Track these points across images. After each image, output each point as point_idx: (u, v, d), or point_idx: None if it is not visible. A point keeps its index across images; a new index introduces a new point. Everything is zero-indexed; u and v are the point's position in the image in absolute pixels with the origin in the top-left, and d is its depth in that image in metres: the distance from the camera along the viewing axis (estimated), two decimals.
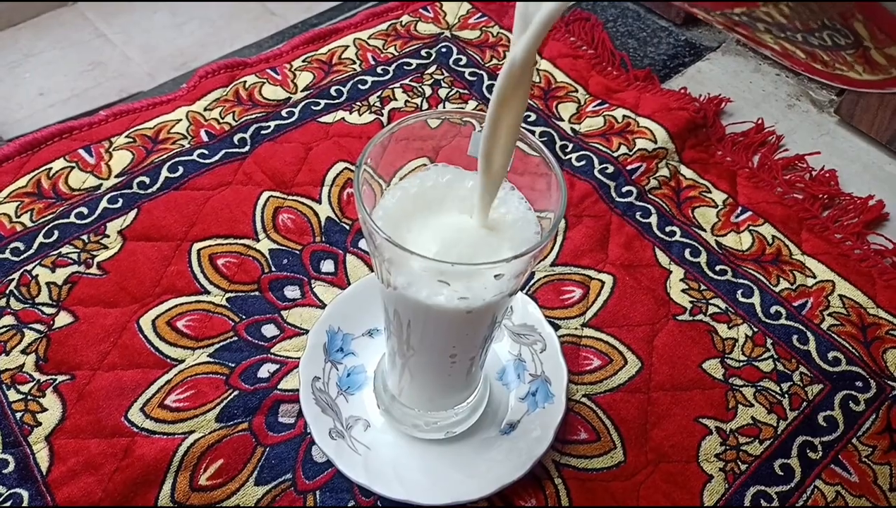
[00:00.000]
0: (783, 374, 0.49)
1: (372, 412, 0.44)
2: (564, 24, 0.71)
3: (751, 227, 0.56)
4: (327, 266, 0.52)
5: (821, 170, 0.61)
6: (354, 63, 0.65)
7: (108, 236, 0.52)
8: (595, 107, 0.63)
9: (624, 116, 0.62)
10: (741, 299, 0.52)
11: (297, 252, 0.52)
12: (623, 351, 0.49)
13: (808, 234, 0.57)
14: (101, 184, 0.54)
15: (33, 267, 0.49)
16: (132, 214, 0.53)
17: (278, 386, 0.45)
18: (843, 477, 0.44)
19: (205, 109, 0.60)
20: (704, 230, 0.56)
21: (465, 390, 0.42)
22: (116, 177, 0.55)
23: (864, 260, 0.55)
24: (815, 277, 0.54)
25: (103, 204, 0.53)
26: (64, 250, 0.50)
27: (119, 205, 0.53)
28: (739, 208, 0.58)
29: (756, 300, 0.52)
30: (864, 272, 0.55)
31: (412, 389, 0.41)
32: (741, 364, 0.49)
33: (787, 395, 0.48)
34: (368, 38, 0.67)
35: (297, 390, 0.45)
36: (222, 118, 0.59)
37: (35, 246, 0.50)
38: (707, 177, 0.59)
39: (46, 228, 0.51)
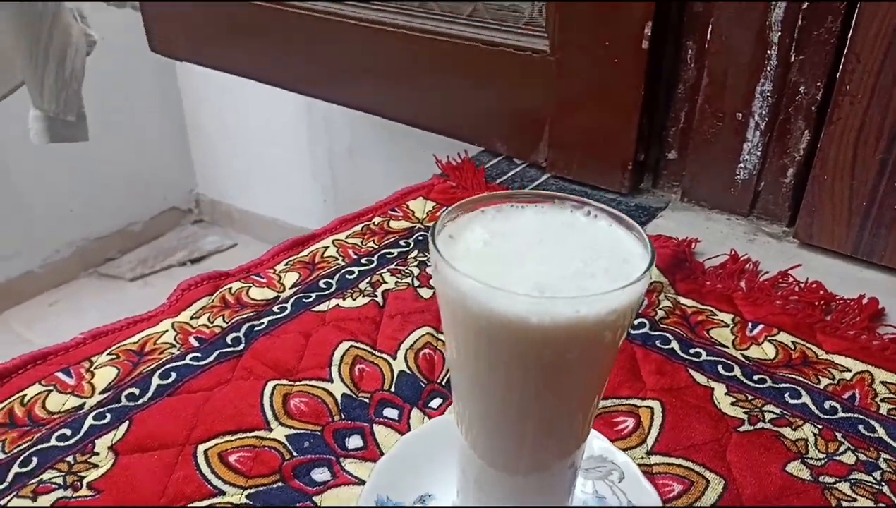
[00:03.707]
0: (869, 464, 0.45)
1: None
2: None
3: (768, 338, 0.56)
4: (354, 441, 0.46)
5: (807, 282, 0.63)
6: (338, 259, 0.65)
7: (97, 454, 0.45)
8: None
9: None
10: (791, 401, 0.50)
11: (318, 433, 0.46)
12: (700, 471, 0.44)
13: (823, 336, 0.56)
14: (84, 404, 0.48)
15: (8, 501, 0.41)
16: (123, 427, 0.46)
17: None
18: None
19: (191, 318, 0.56)
20: (727, 347, 0.55)
21: (560, 498, 0.36)
22: (101, 393, 0.49)
23: (885, 349, 0.55)
24: (850, 370, 0.53)
25: (89, 421, 0.47)
26: (46, 476, 0.43)
27: (107, 420, 0.47)
28: (749, 324, 0.57)
29: (807, 399, 0.50)
30: (892, 359, 0.54)
31: (492, 500, 0.35)
32: (823, 461, 0.45)
33: (884, 483, 0.44)
34: (346, 238, 0.68)
35: None
36: (212, 322, 0.56)
37: (9, 477, 0.43)
38: (707, 303, 0.60)
39: (22, 457, 0.44)
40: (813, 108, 0.66)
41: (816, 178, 0.66)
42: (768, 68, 0.67)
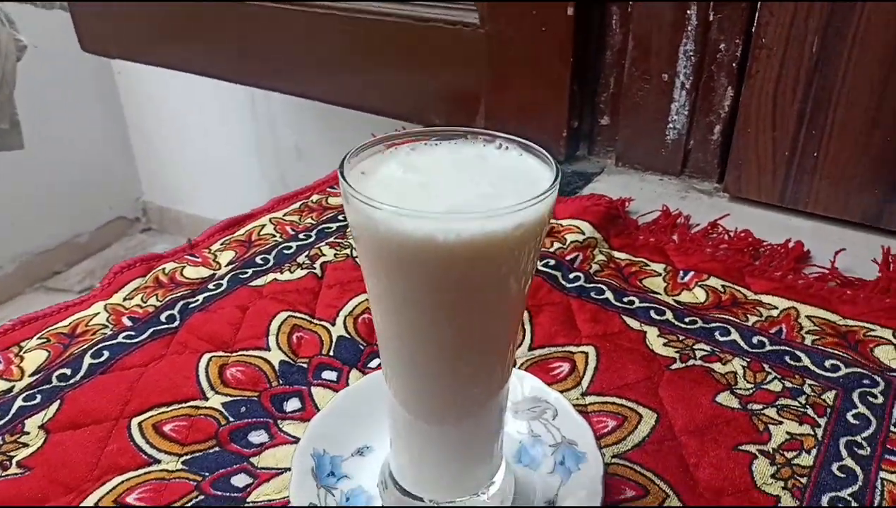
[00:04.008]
0: (795, 390, 0.47)
1: None
2: None
3: (699, 283, 0.57)
4: (293, 404, 0.46)
5: (737, 231, 0.64)
6: (275, 236, 0.64)
7: (27, 433, 0.43)
8: None
9: None
10: (721, 338, 0.51)
11: (255, 398, 0.46)
12: (633, 407, 0.45)
13: (751, 279, 0.58)
14: (13, 387, 0.47)
15: None
16: (54, 406, 0.45)
17: None
18: None
19: (124, 299, 0.56)
20: (659, 294, 0.56)
21: (485, 449, 0.36)
22: (31, 375, 0.48)
23: (810, 287, 0.57)
24: (777, 308, 0.54)
25: (18, 403, 0.46)
26: None
27: (38, 400, 0.46)
28: (681, 272, 0.59)
29: (736, 336, 0.51)
30: (817, 295, 0.56)
31: (423, 451, 0.35)
32: (750, 390, 0.47)
33: (808, 406, 0.45)
34: (284, 216, 0.68)
35: None
36: (145, 302, 0.55)
37: None
38: (640, 256, 0.61)
39: None
40: (734, 65, 0.68)
41: (741, 132, 0.68)
42: (689, 28, 0.69)
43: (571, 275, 0.58)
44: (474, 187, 0.30)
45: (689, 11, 0.68)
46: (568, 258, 0.59)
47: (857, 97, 0.61)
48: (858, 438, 0.43)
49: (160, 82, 1.80)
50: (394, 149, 0.33)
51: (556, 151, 0.79)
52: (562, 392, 0.46)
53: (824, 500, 0.39)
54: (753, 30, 0.65)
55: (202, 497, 0.39)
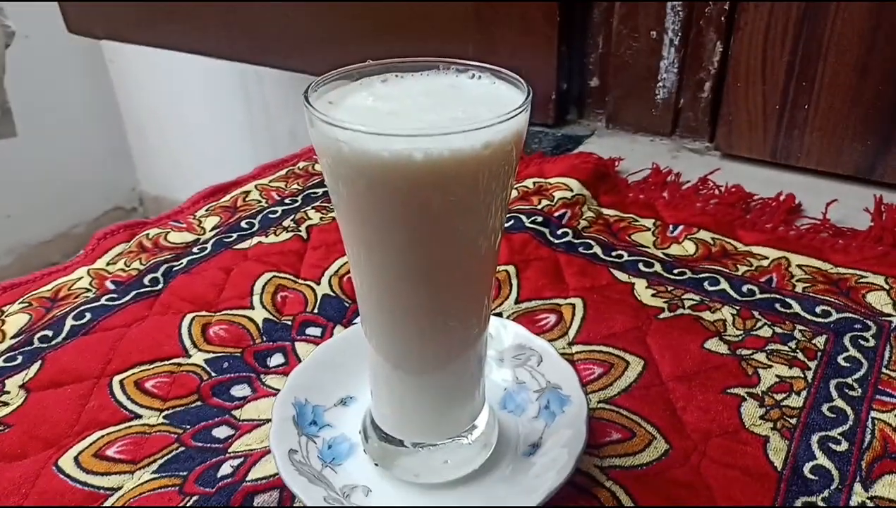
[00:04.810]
0: (785, 335, 0.46)
1: (370, 476, 0.36)
2: None
3: (689, 237, 0.57)
4: (276, 359, 0.45)
5: (727, 186, 0.64)
6: (260, 201, 0.64)
7: (7, 392, 0.43)
8: None
9: (534, 183, 0.64)
10: (710, 288, 0.51)
11: (238, 354, 0.46)
12: (620, 354, 0.45)
13: (742, 232, 0.57)
14: None
15: None
16: (35, 366, 0.45)
17: (247, 479, 0.36)
18: (893, 403, 0.40)
19: (108, 264, 0.55)
20: (648, 247, 0.56)
21: (466, 395, 0.36)
22: (13, 338, 0.47)
23: (801, 237, 0.56)
24: (767, 258, 0.54)
25: None
26: None
27: (19, 361, 0.45)
28: (670, 226, 0.58)
29: (725, 286, 0.51)
30: (808, 245, 0.55)
31: (403, 399, 0.35)
32: (740, 336, 0.46)
33: (798, 350, 0.45)
34: (269, 182, 0.67)
35: (272, 476, 0.36)
36: (128, 266, 0.54)
37: None
38: (629, 212, 0.60)
39: None
40: (722, 19, 0.67)
41: (730, 87, 0.67)
42: None
43: (559, 232, 0.57)
44: (445, 112, 0.30)
45: None
46: (556, 215, 0.59)
47: (846, 46, 0.60)
48: (849, 380, 0.42)
49: (152, 71, 1.79)
50: (364, 80, 0.32)
51: (546, 114, 0.78)
52: (548, 342, 0.45)
53: (814, 439, 0.38)
54: None
55: (182, 448, 0.39)
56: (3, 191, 1.83)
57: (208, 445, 0.39)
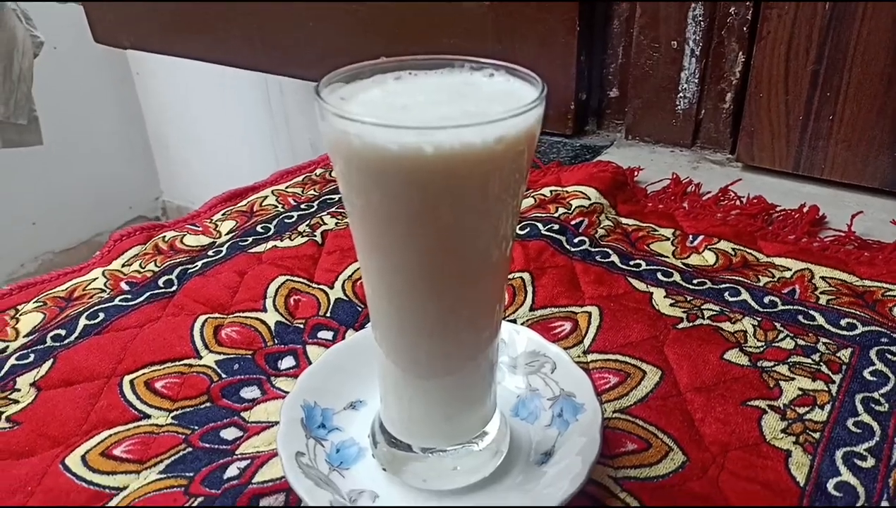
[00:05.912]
0: (808, 348, 0.45)
1: (377, 481, 0.36)
2: None
3: (709, 247, 0.55)
4: (287, 362, 0.45)
5: (749, 197, 0.62)
6: (277, 207, 0.64)
7: (18, 390, 0.43)
8: None
9: (552, 191, 0.63)
10: (731, 299, 0.49)
11: (250, 356, 0.45)
12: (637, 364, 0.44)
13: (764, 243, 0.56)
14: (6, 347, 0.47)
15: None
16: (47, 365, 0.45)
17: (253, 481, 0.36)
18: None
19: (123, 266, 0.55)
20: (667, 257, 0.55)
21: (476, 401, 0.35)
22: (26, 336, 0.47)
23: (825, 249, 0.55)
24: (790, 270, 0.52)
25: (11, 362, 0.45)
26: None
27: (31, 359, 0.45)
28: (690, 236, 0.57)
29: (746, 296, 0.50)
30: (833, 257, 0.54)
31: (412, 397, 0.34)
32: (761, 348, 0.45)
33: (822, 363, 0.43)
34: (286, 188, 0.67)
35: (279, 478, 0.36)
36: (143, 267, 0.54)
37: None
38: (648, 222, 0.59)
39: None
40: (744, 28, 0.67)
41: (752, 97, 0.66)
42: None
43: (576, 239, 0.56)
44: (458, 107, 0.29)
45: None
46: (573, 223, 0.58)
47: (873, 55, 0.59)
48: (876, 394, 0.41)
49: (177, 82, 1.82)
50: (377, 77, 0.32)
51: (564, 125, 0.77)
52: (563, 349, 0.44)
53: (838, 455, 0.37)
54: None
55: (190, 449, 0.38)
56: (29, 199, 1.86)
57: (216, 446, 0.38)
